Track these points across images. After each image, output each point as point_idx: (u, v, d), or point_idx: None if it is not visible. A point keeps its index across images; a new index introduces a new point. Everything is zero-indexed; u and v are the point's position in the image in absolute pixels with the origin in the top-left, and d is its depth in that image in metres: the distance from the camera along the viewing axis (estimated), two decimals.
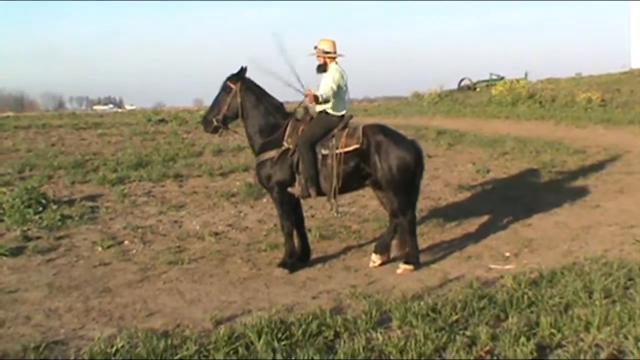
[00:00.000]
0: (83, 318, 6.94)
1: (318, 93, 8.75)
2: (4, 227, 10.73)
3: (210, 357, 5.54)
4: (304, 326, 5.99)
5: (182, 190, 13.85)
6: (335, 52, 9.06)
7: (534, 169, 16.27)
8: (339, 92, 8.92)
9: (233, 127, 9.49)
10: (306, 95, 8.81)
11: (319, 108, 9.02)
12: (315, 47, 9.08)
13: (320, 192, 8.83)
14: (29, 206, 11.43)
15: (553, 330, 5.79)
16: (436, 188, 14.18)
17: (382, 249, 9.07)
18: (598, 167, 16.28)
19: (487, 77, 47.06)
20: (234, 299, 7.52)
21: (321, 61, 9.08)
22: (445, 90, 47.48)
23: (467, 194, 13.79)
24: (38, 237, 10.31)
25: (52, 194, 12.83)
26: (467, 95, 44.47)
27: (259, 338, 5.73)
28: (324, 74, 9.01)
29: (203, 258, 9.47)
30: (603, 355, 5.35)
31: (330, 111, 8.92)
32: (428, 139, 21.20)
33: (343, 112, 8.99)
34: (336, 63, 9.06)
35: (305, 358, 5.40)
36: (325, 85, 8.82)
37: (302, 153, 8.69)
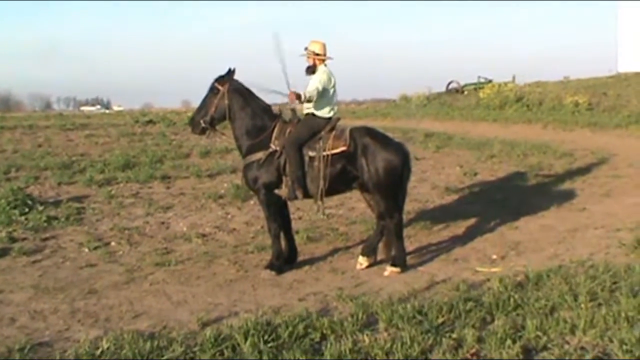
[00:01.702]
0: (69, 320, 6.92)
1: (302, 92, 8.77)
2: None
3: (197, 359, 5.53)
4: (290, 328, 5.98)
5: (170, 192, 13.84)
6: (325, 55, 9.07)
7: (521, 172, 16.32)
8: (326, 94, 8.92)
9: (220, 129, 9.47)
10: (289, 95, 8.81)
11: (306, 110, 9.02)
12: (306, 49, 9.09)
13: (307, 194, 8.83)
14: (15, 207, 11.39)
15: (539, 333, 5.81)
16: (423, 190, 14.20)
17: (369, 251, 9.06)
18: (585, 170, 16.34)
19: (475, 80, 47.22)
20: (221, 301, 7.51)
21: (311, 62, 9.09)
22: (433, 93, 47.74)
23: (455, 197, 13.82)
24: (24, 238, 10.27)
25: (39, 194, 12.81)
26: (455, 98, 44.67)
27: (246, 340, 5.72)
28: (312, 76, 9.02)
29: (190, 260, 9.45)
30: (588, 357, 5.37)
31: (317, 113, 8.92)
32: (416, 141, 21.27)
33: (331, 114, 8.99)
34: (325, 65, 9.07)
35: None
36: (312, 85, 8.83)
37: (289, 155, 8.68)
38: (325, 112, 8.95)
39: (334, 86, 9.03)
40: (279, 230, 9.04)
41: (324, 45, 9.10)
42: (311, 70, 9.07)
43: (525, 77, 46.28)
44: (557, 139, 22.77)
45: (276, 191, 8.85)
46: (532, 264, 8.41)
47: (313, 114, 8.94)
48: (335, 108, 9.13)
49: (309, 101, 8.82)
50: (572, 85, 39.54)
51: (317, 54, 9.04)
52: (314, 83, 8.84)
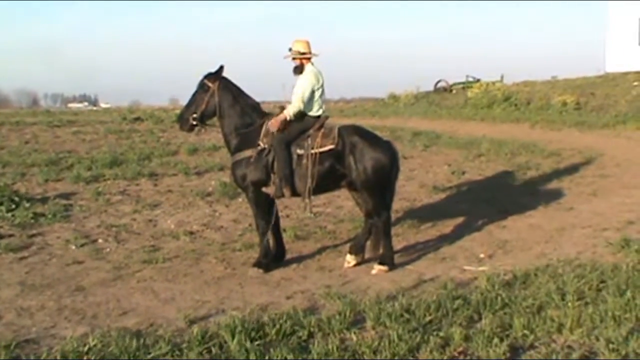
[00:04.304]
0: (55, 317, 6.89)
1: (286, 111, 8.80)
2: None
3: (183, 357, 5.53)
4: (277, 326, 5.99)
5: (157, 189, 13.80)
6: (310, 53, 9.05)
7: (509, 171, 16.38)
8: (315, 94, 8.91)
9: (210, 123, 9.43)
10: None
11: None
12: (290, 49, 9.07)
13: (294, 192, 8.81)
14: (1, 203, 11.33)
15: (526, 332, 5.83)
16: (411, 189, 14.22)
17: (357, 249, 9.07)
18: (572, 169, 16.40)
19: (463, 79, 47.29)
20: (208, 299, 7.50)
21: (297, 63, 9.06)
22: (421, 92, 47.77)
23: (442, 196, 13.85)
24: (10, 235, 10.22)
25: (25, 191, 12.74)
26: (443, 97, 44.71)
27: (233, 337, 5.72)
28: (300, 76, 9.01)
29: (177, 257, 9.43)
30: (575, 356, 5.39)
31: (305, 111, 8.91)
32: (404, 140, 21.27)
33: (319, 113, 8.99)
34: (312, 64, 9.06)
35: (279, 358, 5.39)
36: (296, 95, 8.82)
37: (277, 153, 8.67)
38: (313, 111, 8.95)
39: (322, 85, 9.02)
40: (267, 228, 9.03)
41: (308, 43, 9.07)
42: (299, 69, 9.05)
43: (514, 77, 46.45)
44: (545, 138, 22.84)
45: (264, 189, 8.84)
46: (520, 262, 8.46)
47: (302, 113, 8.93)
48: (324, 106, 9.13)
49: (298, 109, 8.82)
50: (560, 84, 39.54)
51: (303, 53, 9.02)
52: (298, 92, 8.83)
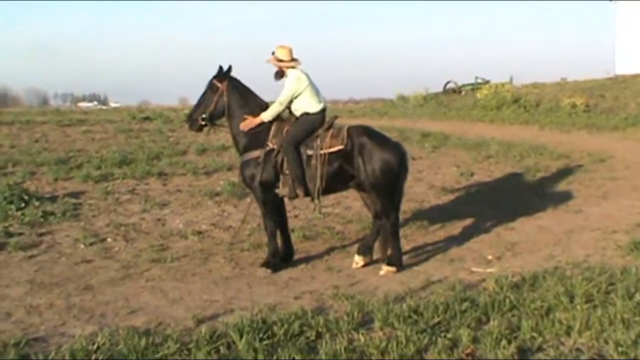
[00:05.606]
0: (64, 315, 6.91)
1: (262, 115, 8.94)
2: None
3: (192, 356, 5.53)
4: (286, 326, 5.99)
5: (166, 189, 13.81)
6: (290, 61, 9.01)
7: (518, 173, 16.34)
8: (305, 93, 8.91)
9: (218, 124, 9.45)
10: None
11: (298, 112, 8.99)
12: (273, 53, 9.06)
13: (307, 193, 8.83)
14: (11, 202, 11.37)
15: (534, 334, 5.82)
16: (420, 190, 14.20)
17: (365, 250, 9.07)
18: (581, 172, 16.35)
19: (472, 81, 47.18)
20: (216, 298, 7.51)
21: (277, 68, 9.07)
22: (430, 93, 47.70)
23: (451, 197, 13.82)
24: (20, 234, 10.26)
25: (35, 190, 12.77)
26: (452, 98, 44.64)
27: (241, 337, 5.72)
28: (282, 80, 9.04)
29: (186, 257, 9.45)
30: (583, 359, 5.38)
31: (308, 110, 8.90)
32: (412, 141, 21.22)
33: (321, 106, 8.97)
34: (294, 67, 9.03)
35: (287, 358, 5.40)
36: (277, 101, 8.95)
37: (287, 154, 8.68)
38: (315, 107, 8.93)
39: (308, 85, 8.97)
40: (276, 228, 9.04)
41: (290, 51, 9.02)
42: (279, 75, 9.05)
43: (523, 78, 46.30)
44: (554, 140, 22.78)
45: (277, 191, 8.85)
46: (528, 264, 8.43)
47: (306, 113, 8.92)
48: (323, 99, 9.10)
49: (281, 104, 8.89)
50: (570, 87, 39.42)
51: (281, 60, 9.01)
52: (282, 94, 8.94)
